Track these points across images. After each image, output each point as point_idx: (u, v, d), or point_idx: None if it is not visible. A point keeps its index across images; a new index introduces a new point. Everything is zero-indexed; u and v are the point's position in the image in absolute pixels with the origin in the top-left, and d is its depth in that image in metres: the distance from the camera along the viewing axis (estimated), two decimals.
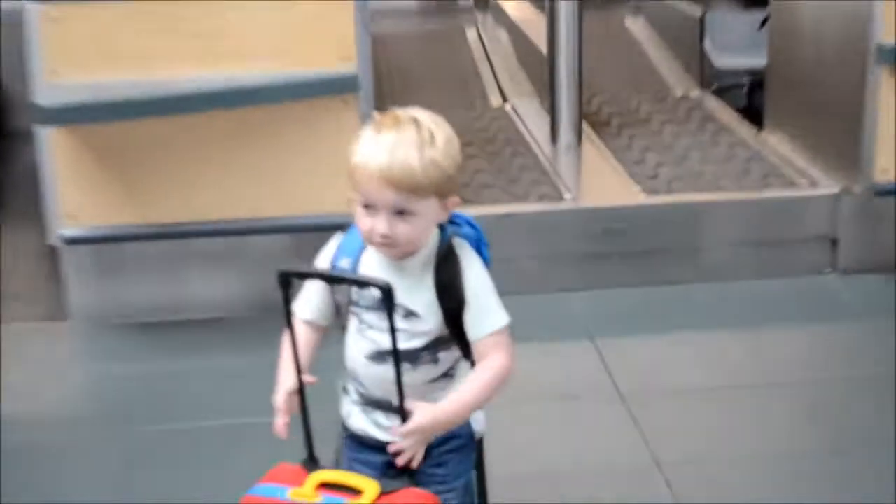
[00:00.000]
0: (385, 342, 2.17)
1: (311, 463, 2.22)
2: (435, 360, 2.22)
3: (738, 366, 3.97)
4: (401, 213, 2.12)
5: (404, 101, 6.18)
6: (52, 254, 4.61)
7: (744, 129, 5.41)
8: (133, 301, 4.38)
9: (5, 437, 3.63)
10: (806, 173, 4.80)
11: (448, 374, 2.26)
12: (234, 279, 4.42)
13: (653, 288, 4.48)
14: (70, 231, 4.26)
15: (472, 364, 2.26)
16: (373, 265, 2.22)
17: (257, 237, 4.36)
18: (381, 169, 2.10)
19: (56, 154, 4.19)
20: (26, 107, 4.24)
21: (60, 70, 4.02)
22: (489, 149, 5.17)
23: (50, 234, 4.30)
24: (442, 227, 2.24)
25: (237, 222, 4.32)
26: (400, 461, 2.15)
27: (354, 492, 2.10)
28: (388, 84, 6.30)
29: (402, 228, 2.13)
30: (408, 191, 2.10)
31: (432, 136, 2.14)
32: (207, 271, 4.40)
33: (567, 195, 4.65)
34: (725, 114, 5.65)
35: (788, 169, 4.87)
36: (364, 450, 2.29)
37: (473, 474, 2.39)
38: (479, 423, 2.33)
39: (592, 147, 5.24)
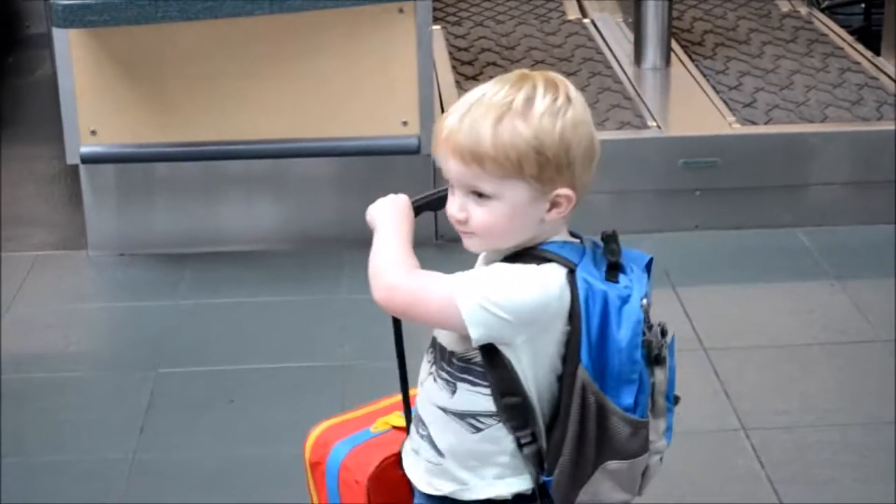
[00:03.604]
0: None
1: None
2: (451, 387, 1.97)
3: (838, 321, 3.96)
4: (478, 194, 1.89)
5: (469, 12, 6.16)
6: (71, 175, 4.67)
7: (858, 52, 5.35)
8: (158, 230, 4.42)
9: (13, 377, 3.71)
10: None
11: (469, 420, 1.96)
12: (271, 208, 4.46)
13: (744, 231, 4.48)
14: (90, 149, 4.30)
15: (516, 437, 1.95)
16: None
17: (298, 161, 4.39)
18: (449, 130, 1.89)
19: (76, 62, 4.22)
20: (43, 9, 4.29)
21: None
22: (564, 68, 5.14)
23: (69, 153, 4.34)
24: (570, 248, 1.92)
25: (276, 143, 4.34)
26: None
27: None
28: None
29: (478, 214, 1.90)
30: (472, 162, 1.87)
31: (529, 101, 1.87)
32: (242, 199, 4.44)
33: (651, 123, 4.63)
34: (837, 34, 5.58)
35: None
36: None
37: None
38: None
39: (682, 69, 5.20)
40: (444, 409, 1.97)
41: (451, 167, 1.88)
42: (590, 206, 4.36)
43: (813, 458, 3.29)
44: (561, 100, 1.87)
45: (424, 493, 2.03)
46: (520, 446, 1.94)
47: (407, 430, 2.13)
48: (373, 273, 1.93)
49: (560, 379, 1.91)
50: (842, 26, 5.69)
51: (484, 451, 1.96)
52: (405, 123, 4.33)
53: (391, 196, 2.05)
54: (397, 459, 2.12)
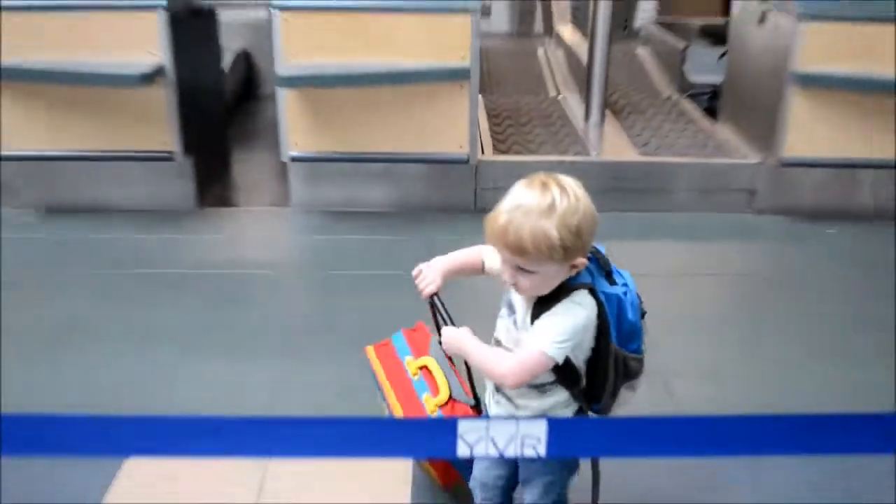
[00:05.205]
0: (499, 334, 1.70)
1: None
2: None
3: (684, 261, 3.92)
4: (522, 269, 1.58)
5: (497, 90, 6.14)
6: (282, 167, 4.71)
7: (705, 120, 5.34)
8: (329, 198, 4.41)
9: (234, 272, 3.66)
10: (740, 149, 4.73)
11: (539, 388, 1.68)
12: (388, 189, 4.46)
13: (639, 213, 4.44)
14: (294, 153, 4.32)
15: (571, 391, 1.68)
16: None
17: (402, 164, 4.38)
18: (500, 231, 1.55)
19: (288, 106, 4.24)
20: (271, 78, 4.29)
21: (292, 54, 4.06)
22: (546, 121, 5.15)
23: (282, 155, 4.36)
24: (584, 274, 1.62)
25: (390, 154, 4.32)
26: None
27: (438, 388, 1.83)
28: (487, 78, 6.29)
29: (524, 281, 1.59)
30: (518, 254, 1.55)
31: (552, 205, 1.53)
32: (374, 183, 4.42)
33: (593, 153, 4.62)
34: (693, 110, 5.57)
35: (730, 146, 4.80)
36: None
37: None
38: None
39: (610, 124, 5.19)
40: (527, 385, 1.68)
41: (504, 254, 1.57)
42: None
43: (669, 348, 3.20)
44: (573, 200, 1.55)
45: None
46: (574, 396, 1.68)
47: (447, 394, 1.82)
48: (495, 378, 1.63)
49: (593, 350, 1.66)
50: (697, 105, 5.68)
51: (549, 403, 1.70)
52: (461, 147, 4.31)
53: (447, 332, 1.66)
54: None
